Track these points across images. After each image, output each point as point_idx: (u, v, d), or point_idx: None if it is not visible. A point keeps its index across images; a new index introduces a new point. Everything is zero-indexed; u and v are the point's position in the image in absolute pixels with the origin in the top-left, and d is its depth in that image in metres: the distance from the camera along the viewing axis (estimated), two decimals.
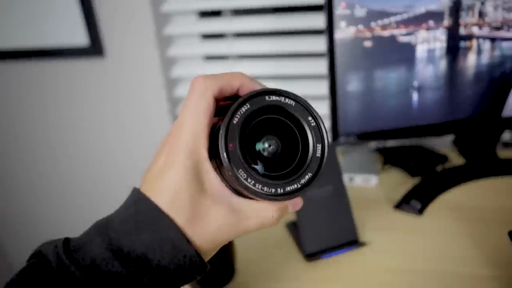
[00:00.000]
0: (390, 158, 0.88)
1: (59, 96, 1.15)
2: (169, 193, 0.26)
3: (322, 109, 0.99)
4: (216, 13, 1.06)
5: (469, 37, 0.69)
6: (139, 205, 0.27)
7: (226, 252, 0.58)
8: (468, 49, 0.70)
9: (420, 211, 0.72)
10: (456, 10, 0.68)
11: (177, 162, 0.27)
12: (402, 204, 0.74)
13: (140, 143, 1.17)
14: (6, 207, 1.39)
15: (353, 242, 0.65)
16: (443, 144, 0.94)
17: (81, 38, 1.04)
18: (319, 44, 0.94)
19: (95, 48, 1.04)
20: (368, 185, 0.82)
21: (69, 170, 1.27)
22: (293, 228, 0.68)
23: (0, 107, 1.20)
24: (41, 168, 1.28)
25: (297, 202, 0.31)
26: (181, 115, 0.28)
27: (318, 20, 0.91)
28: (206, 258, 0.29)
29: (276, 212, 0.29)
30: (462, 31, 0.69)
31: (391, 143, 0.93)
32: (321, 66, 0.95)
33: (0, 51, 1.09)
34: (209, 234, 0.27)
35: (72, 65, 1.09)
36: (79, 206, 1.33)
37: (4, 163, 1.30)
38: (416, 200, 0.74)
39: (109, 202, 1.28)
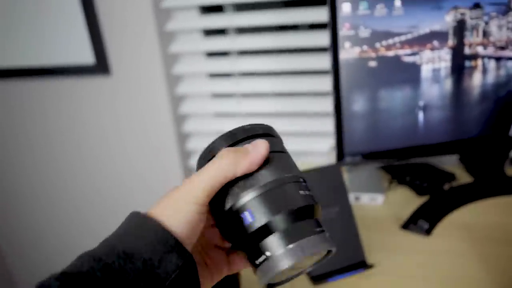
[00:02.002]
0: (396, 176, 0.87)
1: (66, 114, 1.16)
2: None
3: (327, 126, 0.99)
4: (220, 31, 1.07)
5: (474, 57, 0.69)
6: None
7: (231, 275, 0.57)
8: (473, 68, 0.70)
9: (428, 232, 0.71)
10: (460, 30, 0.68)
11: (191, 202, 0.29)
12: (410, 224, 0.73)
13: (146, 161, 1.17)
14: (18, 221, 1.39)
15: (360, 264, 0.64)
16: (450, 161, 0.93)
17: (87, 57, 1.05)
18: (323, 61, 0.94)
19: (101, 66, 1.05)
20: (374, 203, 0.81)
21: (74, 186, 1.27)
22: None
23: (6, 124, 1.21)
24: (45, 184, 1.29)
25: None
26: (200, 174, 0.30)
27: (322, 38, 0.91)
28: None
29: None
30: (467, 50, 0.69)
31: (395, 161, 0.92)
32: (326, 83, 0.95)
33: (7, 69, 1.11)
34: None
35: (78, 83, 1.10)
36: (85, 222, 1.33)
37: (10, 179, 1.31)
38: (423, 220, 0.73)
39: (114, 216, 1.28)
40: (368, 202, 0.82)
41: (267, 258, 0.29)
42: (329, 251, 0.31)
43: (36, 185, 1.30)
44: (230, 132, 0.32)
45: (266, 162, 0.31)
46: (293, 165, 0.33)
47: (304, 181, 0.32)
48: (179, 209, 0.29)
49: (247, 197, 0.30)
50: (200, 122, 1.12)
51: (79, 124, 1.16)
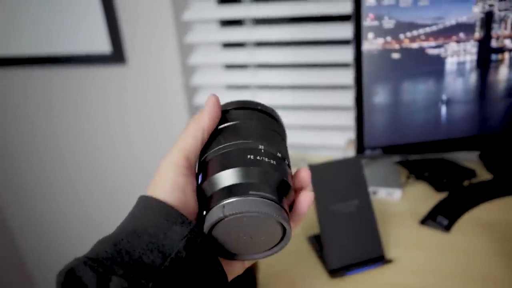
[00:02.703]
0: (414, 171, 0.86)
1: (81, 103, 1.16)
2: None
3: (347, 120, 0.97)
4: (237, 22, 1.06)
5: (501, 50, 0.68)
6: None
7: (249, 266, 0.57)
8: (500, 62, 0.68)
9: (447, 228, 0.70)
10: (488, 22, 0.66)
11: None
12: (428, 219, 0.72)
13: (161, 150, 1.17)
14: (27, 210, 1.41)
15: (378, 258, 0.63)
16: (469, 158, 0.91)
17: (103, 46, 1.05)
18: (341, 53, 0.92)
19: (117, 55, 1.05)
20: (392, 198, 0.80)
21: (90, 176, 1.28)
22: (316, 242, 0.67)
23: (23, 113, 1.22)
24: (59, 173, 1.30)
25: None
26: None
27: (342, 30, 0.90)
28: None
29: None
30: (494, 43, 0.67)
31: (415, 156, 0.91)
32: (345, 76, 0.94)
33: (24, 57, 1.11)
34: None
35: (94, 72, 1.10)
36: (100, 211, 1.34)
37: (24, 168, 1.32)
38: (442, 216, 0.72)
39: (130, 205, 1.29)
40: (385, 197, 0.81)
41: (206, 213, 0.29)
42: (283, 237, 0.30)
43: (50, 174, 1.31)
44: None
45: (234, 130, 0.32)
46: (276, 142, 0.33)
47: (284, 161, 0.32)
48: (164, 179, 0.30)
49: (205, 158, 0.31)
50: None
51: (95, 112, 1.16)
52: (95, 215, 1.35)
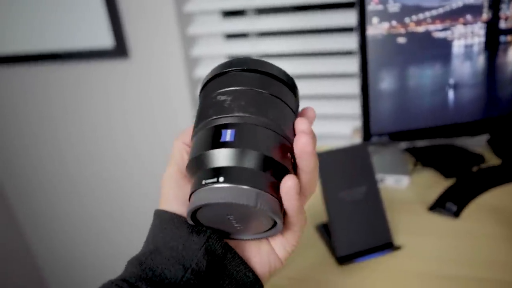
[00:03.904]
0: (422, 158, 0.85)
1: (85, 98, 1.16)
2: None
3: (352, 108, 0.96)
4: (239, 12, 1.05)
5: (510, 31, 0.66)
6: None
7: None
8: (508, 44, 0.67)
9: (456, 214, 0.69)
10: (496, 2, 0.64)
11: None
12: (437, 206, 0.71)
13: (165, 143, 1.17)
14: (44, 208, 1.42)
15: (387, 245, 0.63)
16: (476, 143, 0.90)
17: (106, 40, 1.04)
18: (347, 42, 0.91)
19: (120, 49, 1.04)
20: (400, 185, 0.79)
21: (93, 171, 1.28)
22: (324, 231, 0.67)
23: (25, 110, 1.22)
24: (63, 169, 1.30)
25: None
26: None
27: (345, 18, 0.89)
28: None
29: None
30: (503, 24, 0.66)
31: (421, 142, 0.90)
32: (350, 64, 0.93)
33: (25, 54, 1.11)
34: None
35: (97, 67, 1.10)
36: (108, 208, 1.34)
37: (27, 164, 1.32)
38: (451, 202, 0.71)
39: (135, 203, 1.29)
40: (393, 184, 0.80)
41: (193, 192, 0.27)
42: (273, 225, 0.28)
43: (54, 170, 1.31)
44: (218, 66, 0.31)
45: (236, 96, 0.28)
46: (282, 116, 0.28)
47: (287, 140, 0.28)
48: (167, 192, 0.31)
49: (195, 132, 0.29)
50: None
51: (99, 107, 1.16)
52: (101, 213, 1.35)
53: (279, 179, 0.27)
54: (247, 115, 0.27)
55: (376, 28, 0.65)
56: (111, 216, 1.35)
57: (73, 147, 1.25)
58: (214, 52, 1.03)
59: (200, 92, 0.32)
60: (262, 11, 1.01)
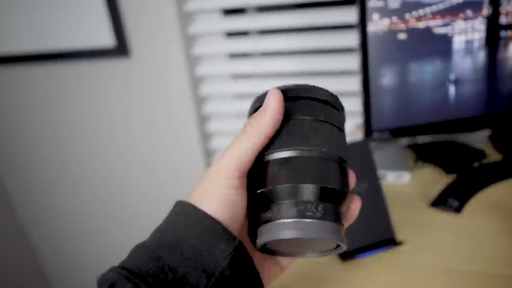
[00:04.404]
0: (423, 155, 0.85)
1: (86, 98, 1.16)
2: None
3: (353, 105, 0.97)
4: (240, 11, 1.05)
5: (510, 26, 0.66)
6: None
7: None
8: (509, 39, 0.67)
9: (458, 210, 0.69)
10: None
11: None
12: (439, 202, 0.71)
13: (167, 142, 1.17)
14: (47, 207, 1.42)
15: (389, 241, 0.63)
16: (477, 139, 0.90)
17: (107, 39, 1.05)
18: (347, 39, 0.92)
19: (121, 48, 1.05)
20: (401, 182, 0.80)
21: (94, 170, 1.28)
22: None
23: (27, 109, 1.22)
24: (64, 169, 1.30)
25: None
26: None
27: (345, 15, 0.89)
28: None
29: None
30: (503, 20, 0.66)
31: (423, 139, 0.90)
32: (350, 62, 0.93)
33: (28, 53, 1.11)
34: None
35: (98, 67, 1.10)
36: (108, 208, 1.35)
37: (29, 164, 1.33)
38: (453, 198, 0.71)
39: (136, 202, 1.29)
40: (394, 180, 0.80)
41: (273, 219, 0.27)
42: (338, 246, 0.29)
43: (55, 170, 1.32)
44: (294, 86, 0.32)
45: (300, 128, 0.29)
46: (335, 141, 0.30)
47: (344, 164, 0.30)
48: (213, 189, 0.28)
49: (266, 157, 0.29)
50: (220, 103, 1.11)
51: (99, 107, 1.17)
52: (102, 212, 1.36)
53: (339, 204, 0.29)
54: (322, 149, 0.29)
55: (376, 25, 0.65)
56: (112, 215, 1.36)
57: (74, 147, 1.26)
58: (215, 51, 1.04)
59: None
60: (263, 9, 1.01)
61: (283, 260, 0.32)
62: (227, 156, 0.28)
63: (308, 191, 0.27)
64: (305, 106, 0.30)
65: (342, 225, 0.28)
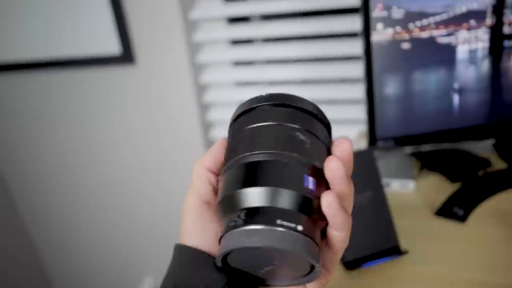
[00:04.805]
0: (427, 163, 0.85)
1: (92, 104, 1.17)
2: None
3: (358, 113, 0.97)
4: (244, 19, 1.06)
5: None
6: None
7: None
8: None
9: (463, 219, 0.69)
10: (499, 7, 0.65)
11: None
12: (443, 210, 0.71)
13: (171, 149, 1.17)
14: (42, 208, 1.43)
15: (394, 250, 0.63)
16: (483, 148, 0.90)
17: (113, 47, 1.06)
18: (350, 47, 0.92)
19: (127, 56, 1.06)
20: (405, 190, 0.80)
21: (99, 176, 1.29)
22: None
23: (33, 116, 1.24)
24: (69, 173, 1.31)
25: None
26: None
27: (349, 23, 0.90)
28: None
29: None
30: (507, 29, 0.66)
31: (427, 147, 0.90)
32: (354, 70, 0.94)
33: (34, 61, 1.13)
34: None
35: (104, 73, 1.11)
36: (112, 210, 1.35)
37: (35, 169, 1.34)
38: (457, 207, 0.71)
39: (139, 208, 1.30)
40: (399, 188, 0.80)
41: (225, 233, 0.25)
42: (310, 271, 0.26)
43: (61, 174, 1.32)
44: (250, 100, 0.30)
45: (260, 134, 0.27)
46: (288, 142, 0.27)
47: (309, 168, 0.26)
48: (188, 224, 0.29)
49: (227, 165, 0.27)
50: (224, 111, 1.12)
51: (106, 114, 1.18)
52: (105, 218, 1.36)
53: (315, 220, 0.26)
54: (278, 151, 0.26)
55: (380, 34, 0.66)
56: (115, 221, 1.36)
57: (80, 153, 1.27)
58: (220, 59, 1.04)
59: (230, 126, 0.31)
60: (267, 16, 1.02)
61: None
62: (189, 192, 0.30)
63: (252, 196, 0.25)
64: (289, 114, 0.28)
65: (309, 237, 0.25)
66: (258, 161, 0.26)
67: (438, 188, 0.79)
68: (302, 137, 0.27)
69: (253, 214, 0.24)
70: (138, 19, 1.02)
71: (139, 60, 1.07)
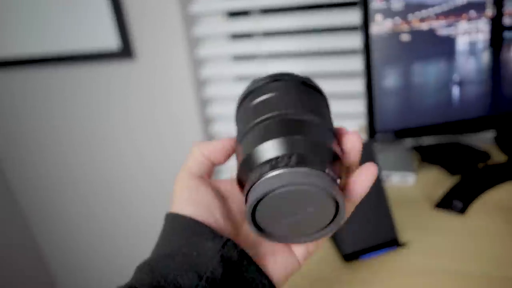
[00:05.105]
0: (427, 156, 0.85)
1: (92, 100, 1.17)
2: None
3: (357, 106, 0.97)
4: (244, 13, 1.05)
5: None
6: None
7: None
8: None
9: (462, 211, 0.69)
10: None
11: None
12: (443, 203, 0.71)
13: (171, 144, 1.17)
14: (44, 207, 1.43)
15: (393, 242, 0.63)
16: (483, 141, 0.90)
17: (112, 42, 1.06)
18: (350, 40, 0.92)
19: (126, 51, 1.06)
20: (405, 183, 0.79)
21: (98, 173, 1.29)
22: None
23: (31, 112, 1.24)
24: (69, 170, 1.31)
25: None
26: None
27: (349, 17, 0.89)
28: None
29: None
30: (507, 20, 0.66)
31: (427, 140, 0.90)
32: (354, 63, 0.93)
33: (33, 57, 1.13)
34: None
35: (103, 69, 1.11)
36: (111, 206, 1.36)
37: (35, 166, 1.34)
38: (457, 200, 0.71)
39: (139, 205, 1.30)
40: (399, 181, 0.80)
41: (249, 190, 0.26)
42: (337, 212, 0.26)
43: (60, 171, 1.33)
44: (251, 83, 0.32)
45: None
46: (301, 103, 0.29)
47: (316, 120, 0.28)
48: (181, 194, 0.29)
49: (242, 137, 0.28)
50: (224, 106, 1.12)
51: (106, 110, 1.18)
52: (106, 215, 1.37)
53: (337, 170, 0.27)
54: (299, 110, 0.28)
55: (379, 26, 0.66)
56: (114, 217, 1.37)
57: (79, 149, 1.27)
58: (220, 53, 1.04)
59: (238, 109, 0.32)
60: (267, 11, 1.02)
61: (298, 251, 0.31)
62: (187, 160, 0.31)
63: (274, 146, 0.26)
64: (287, 85, 0.30)
65: (338, 185, 0.26)
66: (268, 123, 0.27)
67: (438, 181, 0.79)
68: (312, 100, 0.29)
69: (272, 164, 0.25)
70: (137, 14, 1.02)
71: (138, 55, 1.07)
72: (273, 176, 0.25)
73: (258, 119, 0.28)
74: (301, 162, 0.25)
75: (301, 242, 0.29)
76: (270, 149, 0.26)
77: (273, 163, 0.25)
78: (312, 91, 0.31)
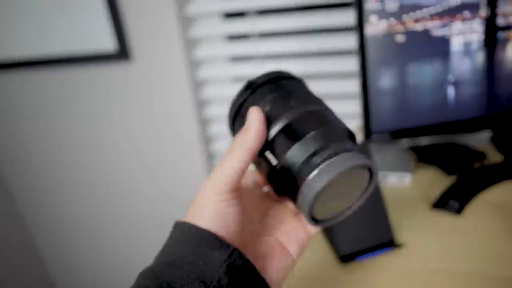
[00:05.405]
0: (424, 156, 0.85)
1: (88, 102, 1.17)
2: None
3: (353, 107, 0.97)
4: (240, 14, 1.05)
5: (508, 28, 0.66)
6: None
7: None
8: (507, 40, 0.67)
9: (459, 211, 0.69)
10: None
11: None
12: (440, 203, 0.71)
13: (169, 145, 1.18)
14: (53, 213, 1.43)
15: (389, 243, 0.63)
16: (479, 141, 0.90)
17: (108, 43, 1.05)
18: (346, 41, 0.92)
19: (122, 53, 1.05)
20: (402, 184, 0.80)
21: (96, 174, 1.29)
22: (326, 228, 0.67)
23: (28, 115, 1.24)
24: (67, 172, 1.31)
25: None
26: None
27: (345, 17, 0.89)
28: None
29: None
30: (501, 21, 0.66)
31: (424, 141, 0.90)
32: (349, 64, 0.93)
33: (29, 59, 1.12)
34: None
35: (100, 71, 1.11)
36: (110, 207, 1.36)
37: (32, 168, 1.34)
38: (454, 200, 0.71)
39: (137, 205, 1.30)
40: (395, 182, 0.80)
41: (302, 187, 0.29)
42: (371, 175, 0.30)
43: (58, 173, 1.33)
44: (247, 82, 0.34)
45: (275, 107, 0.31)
46: (308, 98, 0.33)
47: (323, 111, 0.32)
48: (204, 206, 0.29)
49: (271, 135, 0.31)
50: (221, 107, 1.12)
51: (102, 112, 1.18)
52: (104, 215, 1.37)
53: (358, 146, 0.32)
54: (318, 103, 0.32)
55: (374, 27, 0.66)
56: (113, 219, 1.37)
57: (76, 151, 1.27)
58: (216, 54, 1.04)
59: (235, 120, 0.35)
60: (263, 12, 1.01)
61: (291, 248, 0.32)
62: (218, 173, 0.30)
63: (312, 140, 0.29)
64: (289, 83, 0.34)
65: (363, 153, 0.31)
66: (293, 119, 0.30)
67: (434, 181, 0.79)
68: (308, 94, 0.33)
69: (323, 152, 0.29)
70: (134, 15, 1.02)
71: (135, 57, 1.07)
72: (326, 165, 0.28)
73: (282, 118, 0.30)
74: (341, 147, 0.29)
75: (348, 214, 0.32)
76: (308, 144, 0.29)
77: (318, 155, 0.28)
78: (296, 82, 0.34)
